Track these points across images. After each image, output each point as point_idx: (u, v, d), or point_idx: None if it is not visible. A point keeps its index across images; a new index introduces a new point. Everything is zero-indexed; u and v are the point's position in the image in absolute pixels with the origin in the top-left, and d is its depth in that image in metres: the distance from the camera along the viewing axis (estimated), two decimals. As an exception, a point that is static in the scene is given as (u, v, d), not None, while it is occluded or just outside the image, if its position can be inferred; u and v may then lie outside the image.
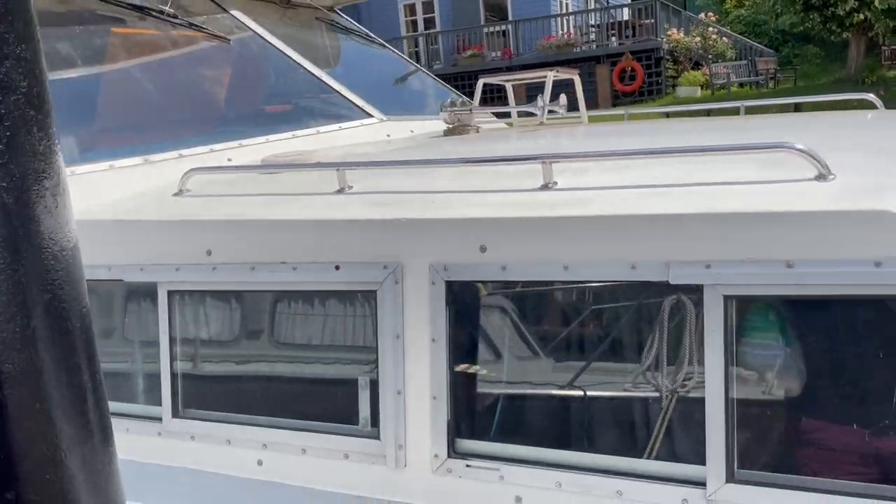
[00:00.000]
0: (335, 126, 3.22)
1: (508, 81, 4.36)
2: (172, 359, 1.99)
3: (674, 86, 20.82)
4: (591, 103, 21.00)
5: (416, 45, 24.32)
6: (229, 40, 3.50)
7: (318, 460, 1.81)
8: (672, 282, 1.44)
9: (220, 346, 1.99)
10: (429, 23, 24.57)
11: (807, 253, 1.34)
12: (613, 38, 21.57)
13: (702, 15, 22.59)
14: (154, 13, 3.29)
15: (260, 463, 1.89)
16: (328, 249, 1.79)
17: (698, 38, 21.16)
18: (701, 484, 1.43)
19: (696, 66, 21.30)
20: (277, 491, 1.87)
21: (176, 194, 2.18)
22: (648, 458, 1.51)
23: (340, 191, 1.96)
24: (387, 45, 5.03)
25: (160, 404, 2.01)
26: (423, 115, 4.07)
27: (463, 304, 1.68)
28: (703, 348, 1.42)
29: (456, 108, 3.20)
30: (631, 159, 1.79)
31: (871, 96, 3.58)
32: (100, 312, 2.16)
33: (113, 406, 2.14)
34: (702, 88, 20.29)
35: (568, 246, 1.55)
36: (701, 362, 1.43)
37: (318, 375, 1.90)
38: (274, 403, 1.91)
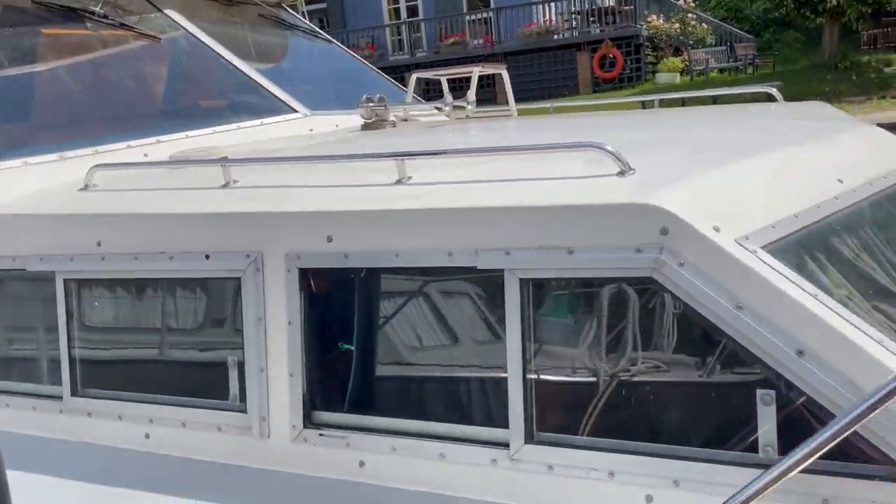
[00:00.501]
0: (257, 122, 3.38)
1: (442, 76, 4.52)
2: (70, 342, 2.16)
3: (653, 72, 20.96)
4: (572, 90, 21.24)
5: (399, 33, 24.38)
6: (160, 39, 3.64)
7: (196, 433, 2.00)
8: (479, 267, 1.63)
9: (111, 330, 2.17)
10: (412, 11, 24.59)
11: (583, 241, 1.53)
12: (594, 25, 21.67)
13: (681, 1, 22.67)
14: (85, 14, 3.43)
15: (147, 436, 2.08)
16: (200, 240, 1.97)
17: (677, 25, 21.27)
18: (506, 445, 1.62)
19: (677, 52, 21.43)
20: (162, 461, 2.05)
21: (81, 189, 2.35)
22: (465, 423, 1.70)
23: (225, 185, 2.13)
24: (333, 40, 5.16)
25: (61, 384, 2.19)
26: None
27: (315, 289, 1.86)
28: (505, 325, 1.61)
29: (372, 104, 3.37)
30: (474, 156, 1.97)
31: (773, 90, 3.76)
32: (7, 300, 2.34)
33: (20, 386, 2.33)
34: (681, 75, 20.44)
35: (398, 236, 1.73)
36: (504, 338, 1.62)
37: (195, 356, 2.09)
38: (159, 382, 2.09)
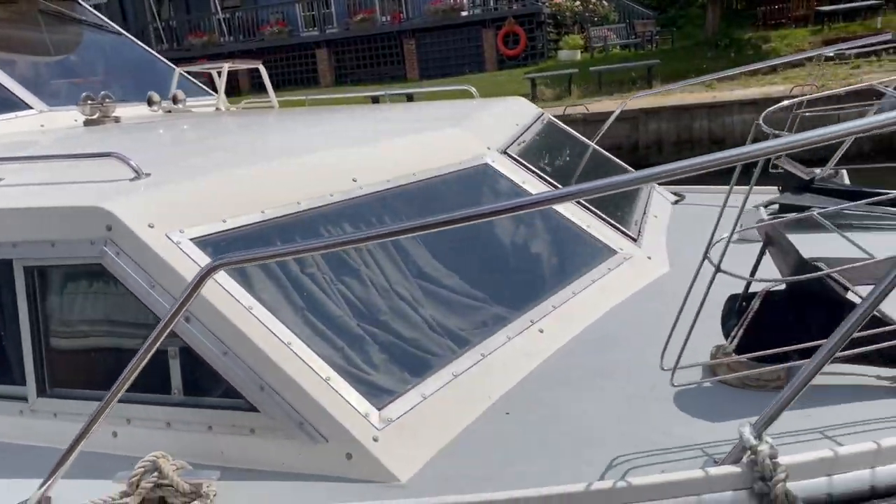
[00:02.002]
0: (-20, 119, 3.65)
1: (212, 69, 4.84)
2: None
3: (556, 49, 21.50)
4: (479, 67, 21.63)
5: (312, 9, 24.28)
6: None
7: None
8: None
9: None
10: (323, -14, 24.45)
11: (61, 235, 1.92)
12: (499, 2, 22.03)
13: (582, -21, 23.15)
14: None
15: None
16: None
17: (578, 2, 21.82)
18: (27, 399, 2.02)
19: (583, 29, 22.00)
20: None
21: None
22: (6, 384, 2.09)
23: None
24: (124, 32, 5.39)
25: None
26: (140, 101, 4.49)
27: None
28: (18, 305, 2.00)
29: (92, 102, 3.68)
30: (46, 161, 2.35)
31: (472, 89, 4.19)
32: None
33: None
34: (582, 51, 21.02)
35: None
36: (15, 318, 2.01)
37: None
38: None
